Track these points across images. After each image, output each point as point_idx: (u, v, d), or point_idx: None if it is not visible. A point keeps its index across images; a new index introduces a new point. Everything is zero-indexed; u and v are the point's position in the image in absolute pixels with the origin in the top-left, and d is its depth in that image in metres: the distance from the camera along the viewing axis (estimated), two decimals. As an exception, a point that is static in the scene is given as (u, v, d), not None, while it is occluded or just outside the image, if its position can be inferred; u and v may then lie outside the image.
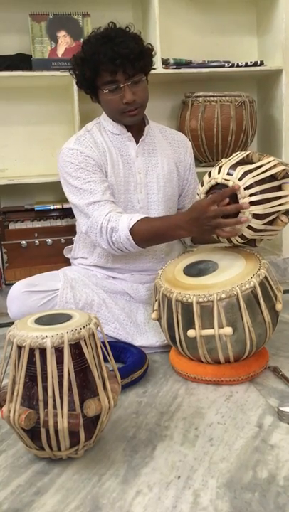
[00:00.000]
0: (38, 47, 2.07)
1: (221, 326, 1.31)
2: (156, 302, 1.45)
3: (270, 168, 1.36)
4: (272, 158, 1.39)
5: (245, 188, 1.33)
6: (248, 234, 1.38)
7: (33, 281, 1.62)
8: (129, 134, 1.65)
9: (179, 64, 2.16)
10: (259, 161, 1.40)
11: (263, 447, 1.10)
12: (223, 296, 1.30)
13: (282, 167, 1.37)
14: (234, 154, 1.45)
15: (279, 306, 1.39)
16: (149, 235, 1.50)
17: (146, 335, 1.61)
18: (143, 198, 1.67)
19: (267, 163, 1.37)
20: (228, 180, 1.35)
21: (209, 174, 1.41)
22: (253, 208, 1.33)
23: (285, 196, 1.37)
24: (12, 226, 2.13)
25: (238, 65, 2.21)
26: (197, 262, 1.49)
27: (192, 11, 2.37)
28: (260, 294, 1.33)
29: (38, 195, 2.28)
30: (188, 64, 2.18)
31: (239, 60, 2.23)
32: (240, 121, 2.19)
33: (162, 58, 2.11)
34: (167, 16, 2.23)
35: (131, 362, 1.45)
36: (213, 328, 1.31)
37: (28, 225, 2.12)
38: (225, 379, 1.38)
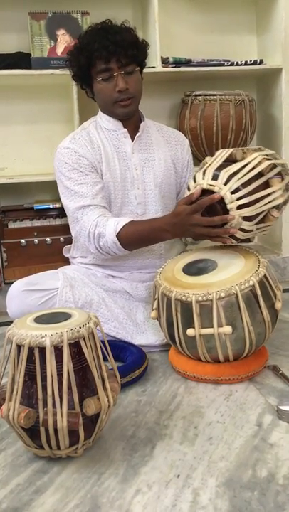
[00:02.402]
0: (37, 45, 2.06)
1: (220, 325, 1.31)
2: (156, 301, 1.45)
3: (256, 166, 1.34)
4: (256, 155, 1.36)
5: (232, 192, 1.31)
6: (240, 235, 1.37)
7: (32, 280, 1.62)
8: (125, 130, 1.66)
9: (179, 63, 2.16)
10: (243, 158, 1.37)
11: (262, 446, 1.10)
12: (223, 295, 1.30)
13: (267, 163, 1.35)
14: (217, 153, 1.43)
15: (278, 305, 1.39)
16: (135, 238, 1.52)
17: (145, 334, 1.61)
18: (140, 194, 1.67)
19: (252, 161, 1.35)
20: (214, 186, 1.33)
21: (194, 179, 1.40)
22: (241, 211, 1.32)
23: (274, 192, 1.35)
24: (11, 225, 2.13)
25: (237, 64, 2.20)
26: (196, 261, 1.49)
27: (191, 9, 2.36)
28: (259, 293, 1.33)
29: (38, 194, 2.28)
30: (187, 63, 2.18)
31: (239, 59, 2.23)
32: (240, 119, 2.19)
33: (162, 57, 2.11)
34: (166, 14, 2.22)
35: (130, 361, 1.45)
36: (212, 327, 1.31)
37: (28, 224, 2.12)
38: (224, 378, 1.38)
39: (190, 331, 1.33)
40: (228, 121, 2.17)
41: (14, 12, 2.14)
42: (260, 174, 1.35)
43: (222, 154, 1.41)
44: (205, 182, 1.35)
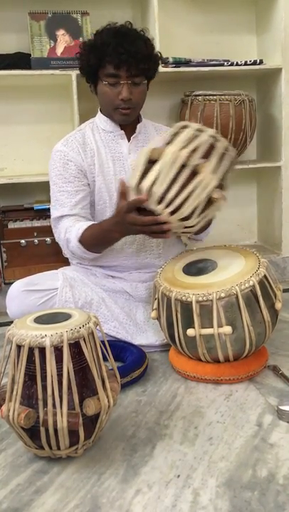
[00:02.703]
0: (37, 46, 2.06)
1: (220, 325, 1.31)
2: (156, 301, 1.45)
3: (174, 162, 1.25)
4: (172, 149, 1.26)
5: (158, 202, 1.28)
6: (189, 230, 1.34)
7: (32, 280, 1.62)
8: (122, 131, 1.66)
9: (178, 63, 2.16)
10: (160, 157, 1.27)
11: (262, 446, 1.10)
12: (223, 295, 1.30)
13: (184, 153, 1.25)
14: (140, 153, 1.33)
15: (278, 305, 1.39)
16: (93, 241, 1.54)
17: (145, 334, 1.61)
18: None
19: (169, 158, 1.25)
20: (141, 192, 1.30)
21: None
22: (175, 215, 1.28)
23: (202, 180, 1.26)
24: (11, 225, 2.12)
25: (237, 64, 2.20)
26: (196, 261, 1.49)
27: (191, 9, 2.36)
28: (259, 293, 1.33)
29: (38, 194, 2.28)
30: (187, 63, 2.18)
31: (238, 59, 2.23)
32: (240, 120, 2.19)
33: (162, 57, 2.10)
34: (166, 14, 2.22)
35: (130, 361, 1.45)
36: (212, 327, 1.31)
37: (28, 224, 2.12)
38: (224, 378, 1.38)
39: (190, 331, 1.33)
40: (227, 121, 2.17)
41: (14, 12, 2.14)
42: (182, 167, 1.25)
43: (142, 154, 1.32)
44: (134, 190, 1.32)
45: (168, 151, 1.26)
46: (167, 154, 1.26)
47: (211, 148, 1.30)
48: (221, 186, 1.33)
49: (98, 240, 1.54)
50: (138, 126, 1.69)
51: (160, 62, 1.64)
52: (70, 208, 1.60)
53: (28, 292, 1.57)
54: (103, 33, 1.55)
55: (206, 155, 1.29)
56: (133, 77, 1.55)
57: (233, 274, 1.37)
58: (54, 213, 1.63)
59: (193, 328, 1.33)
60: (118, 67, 1.52)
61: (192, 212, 1.30)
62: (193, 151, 1.27)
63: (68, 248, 1.60)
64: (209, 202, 1.31)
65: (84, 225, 1.55)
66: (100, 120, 1.69)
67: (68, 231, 1.57)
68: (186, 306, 1.34)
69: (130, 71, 1.53)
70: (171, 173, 1.26)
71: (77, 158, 1.62)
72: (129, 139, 1.68)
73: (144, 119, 1.74)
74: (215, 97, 2.15)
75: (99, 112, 1.70)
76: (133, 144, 1.68)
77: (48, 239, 2.11)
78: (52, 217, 1.64)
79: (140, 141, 1.70)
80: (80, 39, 2.09)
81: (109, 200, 1.65)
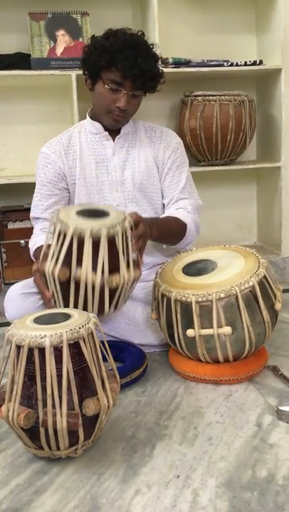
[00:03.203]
0: (36, 46, 2.06)
1: (220, 326, 1.31)
2: (155, 301, 1.45)
3: (54, 280, 1.25)
4: (46, 267, 1.27)
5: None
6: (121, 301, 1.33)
7: (30, 283, 1.61)
8: (106, 133, 1.66)
9: (178, 63, 2.16)
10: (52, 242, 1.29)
11: (262, 446, 1.10)
12: (222, 295, 1.30)
13: (56, 272, 1.24)
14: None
15: (278, 306, 1.39)
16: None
17: (145, 334, 1.61)
18: (119, 196, 1.67)
19: (49, 277, 1.26)
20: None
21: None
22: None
23: (86, 284, 1.24)
24: (11, 225, 2.13)
25: (237, 64, 2.20)
26: (196, 262, 1.49)
27: (191, 9, 2.36)
28: (259, 294, 1.33)
29: (37, 194, 2.28)
30: (187, 63, 2.18)
31: (238, 59, 2.23)
32: (240, 120, 2.19)
33: (161, 57, 2.11)
34: (166, 14, 2.23)
35: (130, 361, 1.45)
36: (212, 327, 1.31)
37: (27, 224, 2.12)
38: (224, 378, 1.38)
39: (190, 332, 1.33)
40: (227, 121, 2.17)
41: (14, 12, 2.14)
42: (79, 243, 1.23)
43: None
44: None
45: (46, 269, 1.27)
46: (47, 273, 1.27)
47: (80, 245, 1.24)
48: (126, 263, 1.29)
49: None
50: (123, 128, 1.67)
51: (163, 79, 1.62)
52: (41, 211, 1.67)
53: (26, 295, 1.57)
54: (117, 37, 1.52)
55: (79, 253, 1.24)
56: (135, 90, 1.55)
57: (232, 274, 1.37)
58: (31, 212, 1.72)
59: (193, 328, 1.32)
60: (125, 77, 1.51)
61: (102, 309, 1.29)
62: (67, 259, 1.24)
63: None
64: (111, 290, 1.27)
65: (36, 244, 1.60)
66: (88, 123, 1.69)
67: (35, 234, 1.66)
68: (186, 307, 1.34)
69: (135, 84, 1.53)
70: (59, 289, 1.27)
71: (58, 161, 1.65)
72: (114, 140, 1.67)
73: (134, 119, 1.71)
74: (215, 98, 2.16)
75: (88, 114, 1.70)
76: (118, 145, 1.67)
77: (47, 239, 2.11)
78: (30, 214, 1.73)
79: (127, 142, 1.68)
80: (80, 39, 2.09)
81: (90, 202, 1.65)
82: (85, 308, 1.27)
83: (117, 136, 1.67)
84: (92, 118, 1.68)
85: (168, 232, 1.58)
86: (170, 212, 1.66)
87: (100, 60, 1.53)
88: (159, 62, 1.60)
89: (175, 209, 1.68)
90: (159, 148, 1.71)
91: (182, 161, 1.73)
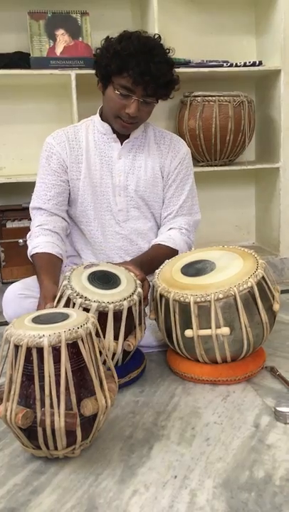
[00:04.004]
0: (36, 45, 2.06)
1: (218, 326, 1.31)
2: (154, 302, 1.45)
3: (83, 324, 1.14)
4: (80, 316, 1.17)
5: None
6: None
7: (28, 284, 1.61)
8: (115, 135, 1.63)
9: (178, 63, 2.14)
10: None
11: (259, 447, 1.10)
12: (221, 296, 1.30)
13: (93, 309, 1.27)
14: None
15: (276, 307, 1.39)
16: (35, 267, 1.54)
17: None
18: (122, 200, 1.65)
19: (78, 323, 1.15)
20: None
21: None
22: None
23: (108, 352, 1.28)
24: (9, 225, 2.13)
25: (236, 65, 2.21)
26: (195, 262, 1.49)
27: (191, 10, 2.37)
28: (257, 294, 1.33)
29: (36, 193, 2.27)
30: (186, 63, 2.18)
31: (238, 60, 2.23)
32: (239, 121, 2.19)
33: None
34: (166, 15, 2.23)
35: (129, 361, 1.45)
36: (210, 328, 1.31)
37: (26, 223, 2.12)
38: (222, 379, 1.38)
39: (188, 332, 1.33)
40: (226, 122, 2.17)
41: (13, 12, 2.14)
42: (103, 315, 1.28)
43: None
44: None
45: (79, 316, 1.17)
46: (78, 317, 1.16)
47: (103, 317, 1.29)
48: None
49: (36, 274, 1.54)
50: (132, 132, 1.64)
51: (178, 88, 1.58)
52: (43, 202, 1.62)
53: (24, 297, 1.56)
54: (131, 40, 1.47)
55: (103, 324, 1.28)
56: (146, 97, 1.51)
57: (231, 275, 1.37)
58: (31, 202, 1.67)
59: (191, 329, 1.33)
60: (136, 84, 1.46)
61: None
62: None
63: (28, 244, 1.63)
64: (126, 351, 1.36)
65: (38, 246, 1.53)
66: (97, 121, 1.66)
67: (31, 238, 1.59)
68: (184, 307, 1.34)
69: (147, 91, 1.49)
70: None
71: (62, 152, 1.62)
72: (122, 143, 1.64)
73: (146, 123, 1.68)
74: (214, 98, 2.16)
75: (98, 112, 1.68)
76: (125, 149, 1.65)
77: (46, 239, 2.10)
78: (30, 205, 1.67)
79: (134, 146, 1.66)
80: (80, 39, 2.09)
81: (93, 203, 1.64)
82: None
83: (126, 140, 1.64)
84: (102, 118, 1.65)
85: (157, 266, 1.55)
86: (161, 238, 1.65)
87: (111, 65, 1.48)
88: (175, 72, 1.55)
89: (168, 229, 1.68)
90: (166, 158, 1.68)
91: (187, 172, 1.71)
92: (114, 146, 1.64)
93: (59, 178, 1.63)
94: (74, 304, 1.28)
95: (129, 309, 1.32)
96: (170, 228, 1.69)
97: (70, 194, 1.66)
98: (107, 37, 1.55)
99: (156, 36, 1.54)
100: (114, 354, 1.32)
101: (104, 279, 1.38)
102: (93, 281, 1.36)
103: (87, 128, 1.67)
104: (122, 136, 1.64)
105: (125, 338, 1.33)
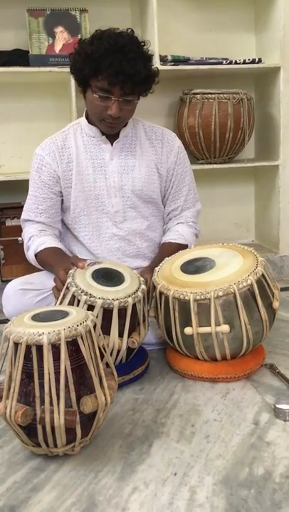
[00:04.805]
0: (35, 43, 2.06)
1: (218, 324, 1.31)
2: (154, 299, 1.45)
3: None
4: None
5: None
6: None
7: (28, 279, 1.61)
8: (104, 137, 1.61)
9: (177, 61, 2.16)
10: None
11: (259, 444, 1.10)
12: (221, 293, 1.30)
13: (98, 305, 1.28)
14: None
15: (276, 304, 1.39)
16: (44, 263, 1.59)
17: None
18: (118, 201, 1.63)
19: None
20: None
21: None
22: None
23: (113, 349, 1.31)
24: (9, 223, 2.12)
25: (236, 62, 2.20)
26: (194, 260, 1.49)
27: (190, 7, 2.36)
28: (257, 292, 1.33)
29: (35, 191, 2.27)
30: (186, 61, 2.18)
31: (237, 57, 2.23)
32: (238, 118, 2.19)
33: (160, 55, 2.11)
34: (165, 12, 2.22)
35: (132, 358, 1.44)
36: (210, 325, 1.31)
37: (25, 221, 2.11)
38: (221, 376, 1.38)
39: (188, 330, 1.33)
40: (226, 119, 2.17)
41: (12, 9, 2.13)
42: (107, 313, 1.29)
43: None
44: None
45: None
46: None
47: (108, 314, 1.30)
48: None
49: (47, 266, 1.58)
50: (122, 130, 1.61)
51: (156, 79, 1.54)
52: (35, 215, 1.64)
53: (24, 291, 1.57)
54: (102, 41, 1.43)
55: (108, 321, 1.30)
56: (126, 96, 1.48)
57: (231, 272, 1.37)
58: (23, 214, 1.68)
59: (191, 326, 1.33)
60: (112, 84, 1.44)
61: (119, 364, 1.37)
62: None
63: (26, 253, 1.65)
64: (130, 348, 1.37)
65: (45, 243, 1.58)
66: (84, 125, 1.64)
67: (32, 240, 1.62)
68: (184, 305, 1.34)
69: (124, 90, 1.46)
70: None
71: (52, 163, 1.60)
72: (112, 144, 1.62)
73: (134, 119, 1.66)
74: (213, 96, 2.16)
75: (84, 115, 1.65)
76: (116, 150, 1.62)
77: (45, 236, 2.10)
78: (22, 216, 1.69)
79: (126, 146, 1.64)
80: (79, 36, 2.08)
81: (86, 208, 1.63)
82: None
83: (116, 141, 1.62)
84: (89, 121, 1.63)
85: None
86: (170, 236, 1.67)
87: (84, 69, 1.46)
88: (154, 61, 1.52)
89: (176, 224, 1.70)
90: (161, 154, 1.67)
91: (185, 164, 1.71)
92: (104, 148, 1.62)
93: (50, 191, 1.62)
94: (79, 301, 1.29)
95: (134, 306, 1.33)
96: (178, 223, 1.71)
97: (63, 202, 1.66)
98: (80, 39, 1.53)
99: (129, 31, 1.49)
100: (118, 351, 1.32)
101: (108, 277, 1.38)
102: (97, 279, 1.36)
103: (75, 132, 1.64)
104: (112, 137, 1.62)
105: (129, 335, 1.33)
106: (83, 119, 1.65)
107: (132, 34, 1.49)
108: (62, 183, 1.62)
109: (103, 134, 1.61)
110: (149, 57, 1.50)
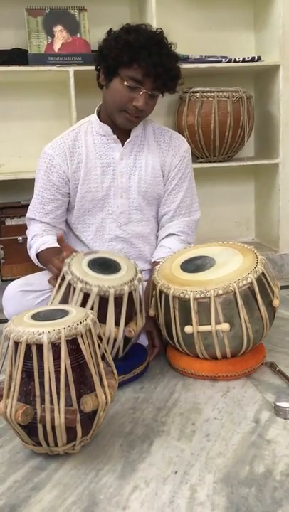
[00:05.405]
0: (34, 42, 2.06)
1: (218, 322, 1.31)
2: (154, 298, 1.45)
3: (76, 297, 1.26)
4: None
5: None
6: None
7: (28, 280, 1.61)
8: (115, 136, 1.60)
9: (176, 59, 2.15)
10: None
11: (259, 442, 1.10)
12: (221, 292, 1.30)
13: (94, 293, 1.26)
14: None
15: (276, 302, 1.39)
16: (44, 263, 1.57)
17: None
18: (124, 202, 1.62)
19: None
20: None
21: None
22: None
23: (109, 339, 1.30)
24: (9, 222, 2.12)
25: (235, 61, 2.20)
26: (194, 258, 1.48)
27: (189, 6, 2.36)
28: (257, 290, 1.33)
29: (35, 190, 2.27)
30: (185, 59, 2.17)
31: (236, 56, 2.23)
32: (238, 116, 2.19)
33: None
34: (164, 10, 2.22)
35: (133, 357, 1.44)
36: (210, 324, 1.31)
37: (25, 221, 2.10)
38: (222, 374, 1.38)
39: (188, 328, 1.33)
40: (225, 118, 2.17)
41: (11, 8, 2.13)
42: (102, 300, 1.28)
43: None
44: None
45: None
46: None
47: (104, 301, 1.28)
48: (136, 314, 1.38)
49: (47, 265, 1.54)
50: (133, 130, 1.61)
51: (181, 80, 1.55)
52: (41, 215, 1.63)
53: (24, 292, 1.56)
54: (139, 33, 1.45)
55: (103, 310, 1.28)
56: (155, 90, 1.49)
57: (231, 271, 1.37)
58: (28, 213, 1.68)
59: (191, 325, 1.33)
60: (147, 76, 1.44)
61: (117, 356, 1.37)
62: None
63: (29, 252, 1.66)
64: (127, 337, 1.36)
65: (47, 243, 1.58)
66: (95, 123, 1.62)
67: (34, 239, 1.62)
68: (184, 303, 1.34)
69: (156, 84, 1.47)
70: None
71: (62, 164, 1.58)
72: (123, 144, 1.61)
73: (145, 120, 1.64)
74: (213, 94, 2.15)
75: (95, 112, 1.64)
76: (127, 149, 1.61)
77: (45, 236, 2.10)
78: (27, 214, 1.69)
79: (136, 146, 1.63)
80: (78, 35, 2.08)
81: (91, 208, 1.62)
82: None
83: (127, 141, 1.60)
84: (101, 118, 1.61)
85: None
86: (160, 254, 1.64)
87: (121, 56, 1.44)
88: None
89: (166, 236, 1.66)
90: (166, 156, 1.65)
91: (186, 170, 1.68)
92: (115, 147, 1.61)
93: (58, 192, 1.61)
94: (74, 288, 1.28)
95: (130, 295, 1.32)
96: (168, 234, 1.67)
97: (69, 202, 1.65)
98: (110, 29, 1.52)
99: (160, 31, 1.52)
100: (115, 340, 1.31)
101: (104, 265, 1.37)
102: (93, 267, 1.35)
103: (86, 132, 1.62)
104: (122, 136, 1.61)
105: (126, 324, 1.32)
106: (94, 117, 1.63)
107: (163, 33, 1.52)
108: (71, 183, 1.61)
109: (114, 133, 1.60)
110: (178, 58, 1.53)
